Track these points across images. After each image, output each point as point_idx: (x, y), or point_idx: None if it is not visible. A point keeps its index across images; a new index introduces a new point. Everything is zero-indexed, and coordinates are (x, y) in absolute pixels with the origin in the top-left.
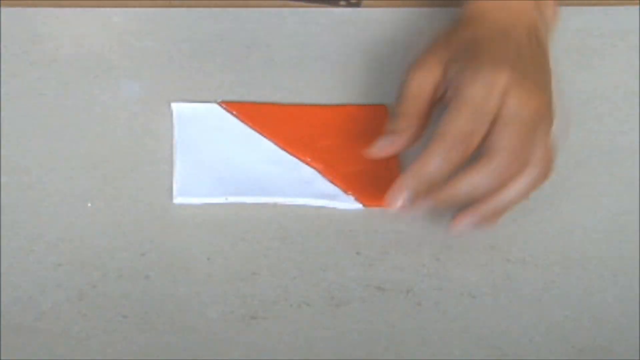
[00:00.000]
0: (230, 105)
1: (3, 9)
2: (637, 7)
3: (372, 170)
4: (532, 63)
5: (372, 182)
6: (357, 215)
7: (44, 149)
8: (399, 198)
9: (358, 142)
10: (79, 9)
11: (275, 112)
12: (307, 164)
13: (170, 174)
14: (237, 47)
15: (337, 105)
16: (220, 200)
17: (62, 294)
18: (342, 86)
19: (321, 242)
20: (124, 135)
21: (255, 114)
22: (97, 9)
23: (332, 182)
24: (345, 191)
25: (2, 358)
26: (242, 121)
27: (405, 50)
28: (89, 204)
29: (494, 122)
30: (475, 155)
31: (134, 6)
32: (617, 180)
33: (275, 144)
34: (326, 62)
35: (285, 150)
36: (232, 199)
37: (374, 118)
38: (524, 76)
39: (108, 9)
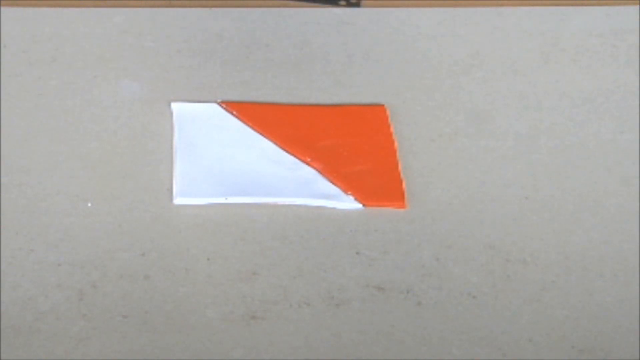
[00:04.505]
0: (230, 105)
1: (3, 9)
2: (637, 7)
3: (372, 170)
4: None
5: (372, 182)
6: (357, 215)
7: (44, 149)
8: None
9: (358, 142)
10: (79, 9)
11: (275, 112)
12: (307, 164)
13: (170, 174)
14: (237, 47)
15: (337, 105)
16: (220, 200)
17: (62, 294)
18: (342, 86)
19: (321, 242)
20: (124, 135)
21: (255, 114)
22: (97, 9)
23: (332, 182)
24: (345, 191)
25: (2, 358)
26: (242, 121)
27: (405, 50)
28: (89, 204)
29: None
30: None
31: (134, 6)
32: (617, 180)
33: (275, 144)
34: (326, 62)
35: (285, 150)
36: (232, 199)
37: (374, 118)
38: None
39: (108, 9)
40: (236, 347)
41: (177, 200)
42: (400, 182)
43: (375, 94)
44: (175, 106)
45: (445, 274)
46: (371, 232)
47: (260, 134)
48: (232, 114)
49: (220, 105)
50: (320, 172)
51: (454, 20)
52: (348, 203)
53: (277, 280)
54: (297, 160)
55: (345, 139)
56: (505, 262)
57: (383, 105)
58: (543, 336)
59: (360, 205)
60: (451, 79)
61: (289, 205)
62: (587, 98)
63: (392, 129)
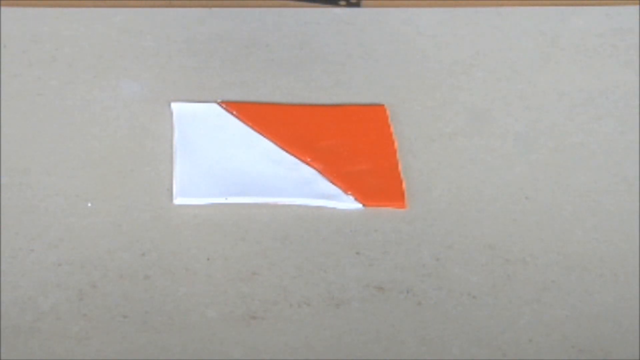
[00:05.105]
0: (230, 105)
1: (3, 9)
2: (637, 7)
3: (372, 170)
4: None
5: (372, 182)
6: (357, 215)
7: (44, 149)
8: None
9: (358, 142)
10: (79, 9)
11: (275, 112)
12: (307, 164)
13: (170, 174)
14: (237, 47)
15: (337, 105)
16: (220, 200)
17: (62, 294)
18: (342, 86)
19: (321, 242)
20: (124, 135)
21: (255, 114)
22: (97, 9)
23: (332, 182)
24: (345, 191)
25: (2, 358)
26: (242, 121)
27: (405, 50)
28: (89, 204)
29: None
30: None
31: (134, 6)
32: (617, 180)
33: (275, 144)
34: (326, 62)
35: (285, 150)
36: (232, 199)
37: (373, 118)
38: None
39: (108, 9)
40: (236, 347)
41: (177, 200)
42: (400, 182)
43: (375, 94)
44: (175, 106)
45: (445, 274)
46: (371, 232)
47: (260, 134)
48: (232, 114)
49: (220, 105)
50: (320, 172)
51: (454, 20)
52: (348, 203)
53: (277, 280)
54: (297, 160)
55: (345, 139)
56: (505, 262)
57: (383, 105)
58: (543, 336)
59: (360, 205)
60: (451, 79)
61: (289, 205)
62: (587, 98)
63: (392, 129)
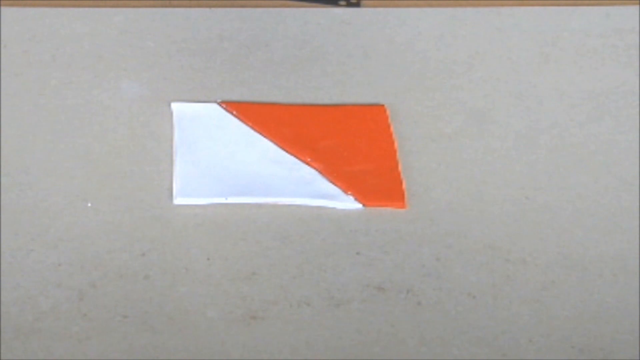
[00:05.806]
0: (230, 105)
1: (3, 9)
2: (637, 7)
3: (372, 170)
4: None
5: (372, 182)
6: (357, 215)
7: (44, 149)
8: None
9: (358, 142)
10: (79, 9)
11: (275, 112)
12: (307, 164)
13: (170, 174)
14: (237, 47)
15: (337, 105)
16: (220, 200)
17: (62, 294)
18: (342, 86)
19: (321, 242)
20: (124, 135)
21: (255, 114)
22: (97, 9)
23: (332, 182)
24: (345, 191)
25: (2, 358)
26: (242, 121)
27: (405, 50)
28: (89, 204)
29: None
30: None
31: (134, 6)
32: (617, 180)
33: (275, 144)
34: (326, 62)
35: (285, 150)
36: (232, 199)
37: (374, 118)
38: None
39: (108, 9)
40: (236, 347)
41: (177, 200)
42: (400, 182)
43: (375, 94)
44: (175, 106)
45: (445, 274)
46: (371, 232)
47: (260, 134)
48: (232, 114)
49: (220, 105)
50: (320, 172)
51: (454, 20)
52: (348, 203)
53: (277, 280)
54: (297, 160)
55: (345, 139)
56: (505, 262)
57: (383, 105)
58: (543, 336)
59: (360, 205)
60: (451, 79)
61: (289, 205)
62: (587, 98)
63: (392, 129)
